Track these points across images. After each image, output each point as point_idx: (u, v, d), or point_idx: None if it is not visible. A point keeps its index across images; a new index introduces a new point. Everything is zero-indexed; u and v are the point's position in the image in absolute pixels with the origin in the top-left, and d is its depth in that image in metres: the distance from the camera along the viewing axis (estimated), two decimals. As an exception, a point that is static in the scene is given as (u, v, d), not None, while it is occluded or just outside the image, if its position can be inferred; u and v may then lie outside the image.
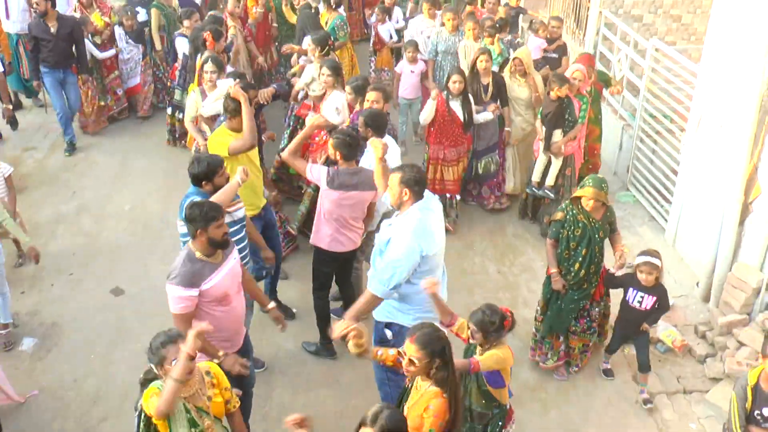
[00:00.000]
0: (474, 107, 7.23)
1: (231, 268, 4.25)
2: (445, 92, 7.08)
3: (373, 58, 10.14)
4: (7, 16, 9.21)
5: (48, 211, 7.74)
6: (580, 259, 5.26)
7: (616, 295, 5.61)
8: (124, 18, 9.34)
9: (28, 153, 9.03)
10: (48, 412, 5.22)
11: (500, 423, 4.27)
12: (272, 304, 4.72)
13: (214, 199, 4.58)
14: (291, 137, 7.17)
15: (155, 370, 3.53)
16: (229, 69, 7.36)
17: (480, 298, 6.46)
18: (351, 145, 5.23)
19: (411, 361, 3.42)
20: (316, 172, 5.23)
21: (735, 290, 5.86)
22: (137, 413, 3.71)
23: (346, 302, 5.65)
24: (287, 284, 6.58)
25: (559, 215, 5.34)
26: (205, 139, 6.28)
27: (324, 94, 6.85)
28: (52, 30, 8.30)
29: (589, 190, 5.16)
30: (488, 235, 7.56)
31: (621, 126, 8.32)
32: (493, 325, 4.01)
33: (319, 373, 5.68)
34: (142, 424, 3.62)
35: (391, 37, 9.92)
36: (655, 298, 5.25)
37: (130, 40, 9.41)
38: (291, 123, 7.61)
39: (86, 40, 8.85)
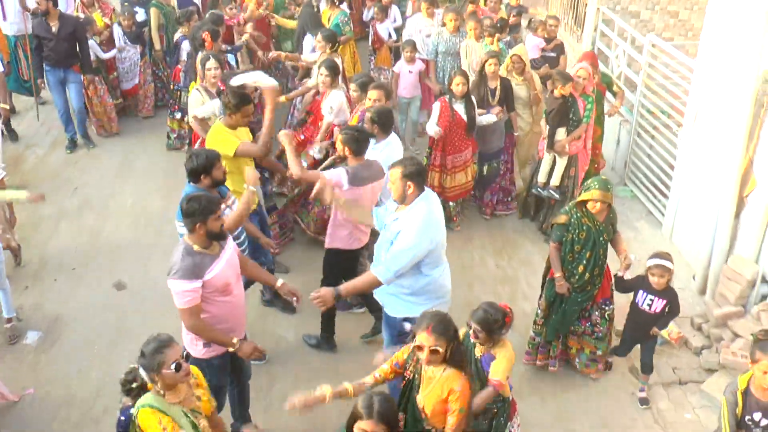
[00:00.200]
0: (479, 110, 7.16)
1: (228, 258, 4.30)
2: (448, 95, 7.02)
3: (372, 57, 10.20)
4: (4, 18, 9.20)
5: (50, 207, 7.79)
6: (584, 261, 5.23)
7: (618, 300, 5.57)
8: (122, 18, 9.32)
9: (30, 150, 9.10)
10: (53, 402, 5.29)
11: (504, 416, 4.29)
12: (280, 281, 4.70)
13: (228, 221, 4.67)
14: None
15: (148, 378, 3.45)
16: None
17: (479, 292, 6.55)
18: (360, 140, 5.30)
19: (433, 351, 3.48)
20: (334, 176, 5.19)
21: (730, 282, 5.93)
22: (122, 417, 3.76)
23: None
24: (287, 277, 6.63)
25: (562, 219, 5.27)
26: None
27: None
28: (54, 29, 8.33)
29: (596, 193, 5.08)
30: (487, 230, 7.63)
31: (618, 122, 8.39)
32: (497, 322, 4.04)
33: (320, 365, 5.74)
34: None
35: (390, 36, 9.96)
36: (665, 302, 5.17)
37: (127, 41, 9.36)
38: (294, 122, 7.66)
39: (91, 41, 8.82)
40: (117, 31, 9.30)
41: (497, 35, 8.26)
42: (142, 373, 3.46)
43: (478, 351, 4.17)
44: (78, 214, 7.74)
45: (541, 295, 5.62)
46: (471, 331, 4.08)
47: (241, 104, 5.49)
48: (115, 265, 6.88)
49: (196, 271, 4.10)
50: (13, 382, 5.45)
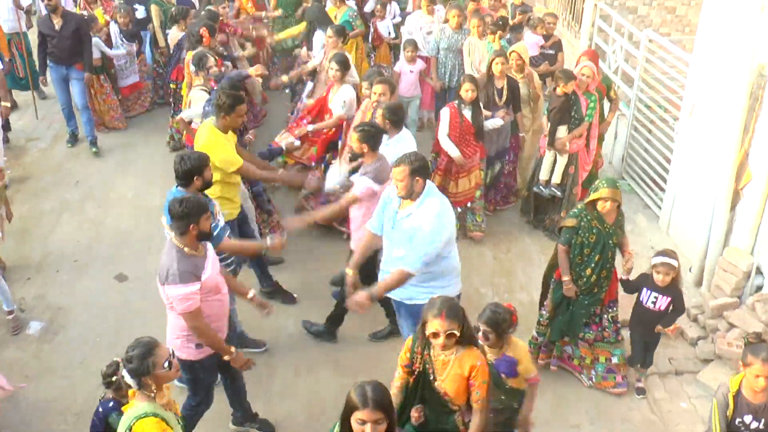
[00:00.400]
0: (485, 113, 7.08)
1: (213, 258, 4.35)
2: (457, 101, 6.89)
3: (372, 54, 10.19)
4: None
5: (53, 199, 7.86)
6: (593, 264, 5.20)
7: (621, 300, 5.57)
8: (118, 15, 9.25)
9: (31, 143, 9.15)
10: (57, 390, 5.35)
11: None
12: (252, 293, 4.78)
13: (234, 248, 4.87)
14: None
15: (136, 383, 3.44)
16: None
17: (477, 284, 6.63)
18: (376, 135, 5.37)
19: (449, 335, 3.56)
20: (363, 188, 5.22)
21: (726, 274, 6.00)
22: (100, 409, 3.82)
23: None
24: (288, 269, 6.74)
25: (572, 222, 5.21)
26: None
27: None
28: (57, 26, 8.30)
29: (605, 191, 5.04)
30: (485, 223, 7.67)
31: (616, 116, 8.44)
32: (506, 322, 4.10)
33: (320, 355, 5.81)
34: None
35: (389, 34, 9.95)
36: (669, 299, 5.15)
37: (123, 38, 9.27)
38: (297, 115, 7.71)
39: (96, 38, 8.75)
40: (113, 29, 9.23)
41: (499, 32, 8.22)
42: (129, 379, 3.44)
43: (491, 356, 4.18)
44: (79, 207, 7.79)
45: (543, 299, 5.59)
46: (480, 334, 4.08)
47: (236, 104, 5.45)
48: (117, 256, 6.94)
49: (195, 274, 4.12)
50: (16, 371, 5.53)
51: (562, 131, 6.95)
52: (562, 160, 7.07)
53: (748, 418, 4.04)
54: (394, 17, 10.12)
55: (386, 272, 4.76)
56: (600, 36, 9.02)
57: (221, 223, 4.98)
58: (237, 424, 5.09)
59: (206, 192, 4.96)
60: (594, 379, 5.49)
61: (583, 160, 7.20)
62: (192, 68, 7.07)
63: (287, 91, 9.85)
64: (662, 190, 7.42)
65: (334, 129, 7.07)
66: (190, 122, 6.73)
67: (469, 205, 7.23)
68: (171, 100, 8.89)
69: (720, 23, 6.33)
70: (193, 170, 4.77)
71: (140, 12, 9.72)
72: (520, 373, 4.24)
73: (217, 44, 7.93)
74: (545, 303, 5.57)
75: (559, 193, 7.15)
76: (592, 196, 5.15)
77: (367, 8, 10.45)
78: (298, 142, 6.74)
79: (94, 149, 8.83)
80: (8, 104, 8.22)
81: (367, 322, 6.04)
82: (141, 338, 3.53)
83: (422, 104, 9.01)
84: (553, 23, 8.87)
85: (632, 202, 7.86)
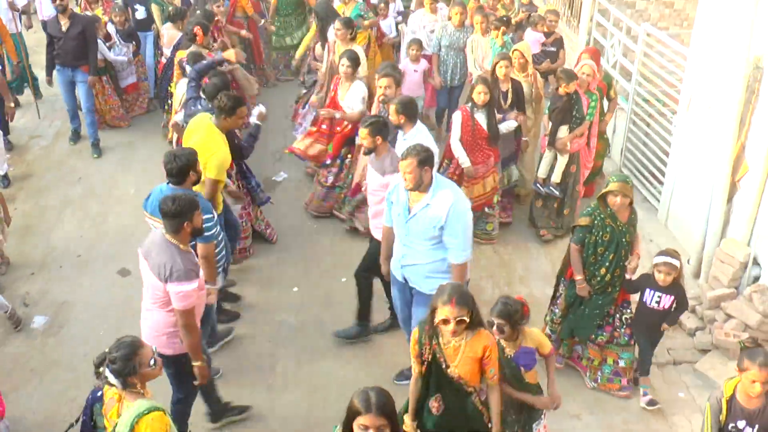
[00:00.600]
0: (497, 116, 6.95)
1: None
2: (469, 104, 6.71)
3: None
4: None
5: (55, 196, 7.93)
6: (607, 264, 5.17)
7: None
8: (113, 15, 9.22)
9: (34, 140, 9.21)
10: (62, 383, 5.42)
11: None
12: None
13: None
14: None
15: (121, 382, 3.43)
16: None
17: (476, 276, 6.67)
18: (387, 126, 5.41)
19: (460, 321, 3.63)
20: (395, 179, 5.10)
21: (723, 265, 6.05)
22: (89, 397, 3.75)
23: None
24: (290, 262, 6.80)
25: (585, 220, 5.18)
26: None
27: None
28: (63, 28, 8.27)
29: (614, 185, 5.03)
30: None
31: (614, 110, 8.48)
32: (518, 313, 4.13)
33: (322, 346, 5.87)
34: None
35: (391, 32, 9.81)
36: (673, 298, 5.12)
37: (120, 39, 9.23)
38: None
39: (98, 41, 8.72)
40: (110, 29, 9.20)
41: (503, 29, 8.13)
42: (113, 379, 3.44)
43: (509, 350, 4.20)
44: (82, 203, 7.86)
45: (556, 296, 5.58)
46: (494, 329, 4.09)
47: (237, 106, 5.49)
48: (119, 251, 6.99)
49: (195, 271, 4.16)
50: (22, 364, 5.61)
51: (563, 131, 6.88)
52: (563, 160, 6.98)
53: (741, 424, 4.02)
54: (398, 15, 10.10)
55: (401, 264, 4.85)
56: (598, 30, 9.06)
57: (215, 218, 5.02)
58: (215, 420, 5.02)
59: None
60: (599, 381, 5.46)
61: (584, 158, 7.18)
62: (183, 67, 7.11)
63: (301, 81, 9.75)
64: (660, 183, 7.47)
65: (350, 126, 7.07)
66: (183, 127, 6.72)
67: (486, 209, 7.05)
68: (171, 101, 8.93)
69: (716, 16, 6.37)
70: (189, 165, 4.77)
71: (140, 12, 9.68)
72: (541, 352, 4.28)
73: (212, 42, 7.97)
74: (558, 301, 5.57)
75: (557, 193, 7.09)
76: (603, 191, 5.18)
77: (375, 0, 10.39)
78: (264, 109, 6.46)
79: (95, 154, 8.80)
80: (12, 104, 8.25)
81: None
82: (123, 338, 3.51)
83: (424, 102, 9.03)
84: (555, 21, 8.83)
85: (630, 195, 7.90)
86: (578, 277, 5.26)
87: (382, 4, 9.68)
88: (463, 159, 6.69)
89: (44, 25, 10.05)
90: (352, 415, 2.94)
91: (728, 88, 6.01)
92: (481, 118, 6.66)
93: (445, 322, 3.64)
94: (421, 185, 4.53)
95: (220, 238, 5.18)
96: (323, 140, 7.43)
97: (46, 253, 6.99)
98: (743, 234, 6.00)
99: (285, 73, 10.83)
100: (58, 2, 8.24)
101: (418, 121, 5.80)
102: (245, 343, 5.88)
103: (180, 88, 6.95)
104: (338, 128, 7.24)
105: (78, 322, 6.09)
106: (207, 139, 5.45)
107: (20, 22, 9.89)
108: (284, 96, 10.21)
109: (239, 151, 6.05)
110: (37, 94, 9.73)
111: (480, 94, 6.54)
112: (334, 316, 6.15)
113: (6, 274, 6.61)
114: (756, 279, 5.91)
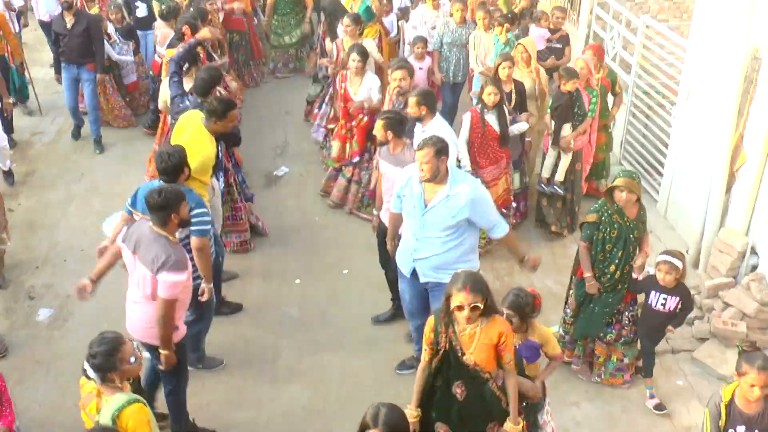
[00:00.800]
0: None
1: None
2: (479, 105, 6.62)
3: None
4: None
5: (59, 191, 7.98)
6: (616, 261, 5.14)
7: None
8: (110, 12, 9.15)
9: (36, 137, 9.25)
10: (68, 375, 5.43)
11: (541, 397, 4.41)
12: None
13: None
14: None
15: (100, 378, 3.42)
16: None
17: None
18: (402, 122, 5.42)
19: (474, 308, 3.66)
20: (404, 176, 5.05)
21: (722, 254, 6.10)
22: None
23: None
24: (292, 255, 6.85)
25: (593, 217, 5.16)
26: None
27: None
28: (68, 25, 8.24)
29: (620, 180, 5.01)
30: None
31: (620, 104, 8.49)
32: (529, 305, 4.15)
33: (324, 338, 5.92)
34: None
35: (392, 29, 9.66)
36: (678, 299, 5.08)
37: (120, 37, 9.16)
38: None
39: (106, 43, 8.69)
40: (109, 28, 9.11)
41: (507, 25, 8.06)
42: (92, 374, 3.43)
43: (515, 341, 4.17)
44: (85, 198, 7.91)
45: (569, 295, 5.59)
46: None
47: (228, 110, 5.50)
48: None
49: (185, 262, 4.20)
50: (28, 356, 5.68)
51: (566, 129, 6.83)
52: (566, 159, 6.94)
53: (741, 429, 3.97)
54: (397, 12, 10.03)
55: (413, 258, 4.85)
56: (598, 23, 9.08)
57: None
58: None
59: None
60: (603, 376, 5.48)
61: (586, 154, 7.19)
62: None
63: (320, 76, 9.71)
64: (660, 174, 7.51)
65: (367, 118, 7.07)
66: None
67: (503, 211, 6.82)
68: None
69: (715, 8, 6.40)
70: (182, 162, 4.81)
71: (141, 10, 9.63)
72: (547, 353, 4.30)
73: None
74: (569, 301, 5.57)
75: (561, 191, 7.05)
76: (609, 185, 5.18)
77: None
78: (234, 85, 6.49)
79: (97, 150, 8.83)
80: (11, 100, 8.27)
81: (370, 305, 6.17)
82: (105, 333, 3.52)
83: None
84: (561, 17, 8.59)
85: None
86: (587, 274, 5.24)
87: (385, 1, 9.50)
88: (465, 161, 6.63)
89: (42, 23, 10.12)
90: (362, 430, 3.03)
91: (726, 78, 6.04)
92: (491, 119, 6.55)
93: (460, 308, 3.67)
94: (437, 175, 4.54)
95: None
96: (348, 138, 7.38)
97: (50, 247, 7.05)
98: (741, 224, 6.04)
99: (283, 71, 10.88)
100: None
101: (437, 113, 5.80)
102: (248, 335, 5.94)
103: (164, 89, 6.87)
104: (353, 122, 7.25)
105: (82, 315, 6.14)
106: (195, 139, 5.47)
107: (18, 22, 9.89)
108: (282, 92, 10.27)
109: (235, 138, 6.15)
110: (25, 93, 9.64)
111: (490, 95, 6.45)
112: (336, 308, 6.21)
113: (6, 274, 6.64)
114: (754, 268, 5.96)
